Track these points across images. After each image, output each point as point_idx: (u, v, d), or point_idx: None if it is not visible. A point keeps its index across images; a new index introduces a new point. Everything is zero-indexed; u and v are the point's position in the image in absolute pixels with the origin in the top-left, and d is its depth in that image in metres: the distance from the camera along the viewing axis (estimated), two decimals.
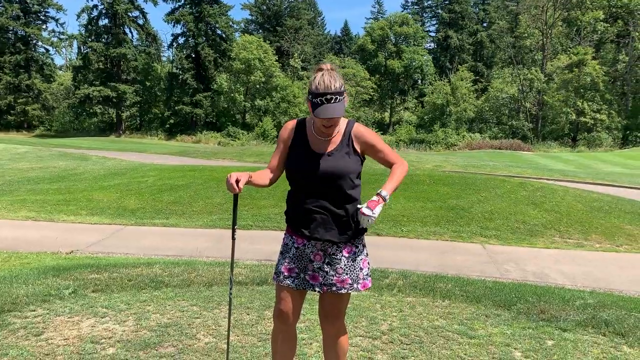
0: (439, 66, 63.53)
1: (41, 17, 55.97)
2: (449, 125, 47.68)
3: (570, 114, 44.16)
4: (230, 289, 2.79)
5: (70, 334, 3.84)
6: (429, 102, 50.88)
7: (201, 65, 53.22)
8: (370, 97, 57.09)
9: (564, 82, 44.97)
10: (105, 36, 53.14)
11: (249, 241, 8.51)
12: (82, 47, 54.29)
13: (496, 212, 10.42)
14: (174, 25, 54.17)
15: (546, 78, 47.22)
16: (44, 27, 55.92)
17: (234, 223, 2.70)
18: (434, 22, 71.45)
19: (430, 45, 68.18)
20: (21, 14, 52.97)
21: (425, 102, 53.47)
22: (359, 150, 2.66)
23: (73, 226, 9.57)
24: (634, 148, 38.34)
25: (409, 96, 62.81)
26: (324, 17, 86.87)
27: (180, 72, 54.47)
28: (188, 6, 53.64)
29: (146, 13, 55.88)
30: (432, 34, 69.92)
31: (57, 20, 57.37)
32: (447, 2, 66.13)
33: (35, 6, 54.15)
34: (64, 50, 67.63)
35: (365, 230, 2.70)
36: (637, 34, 46.21)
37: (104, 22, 53.23)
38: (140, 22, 55.14)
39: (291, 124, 2.76)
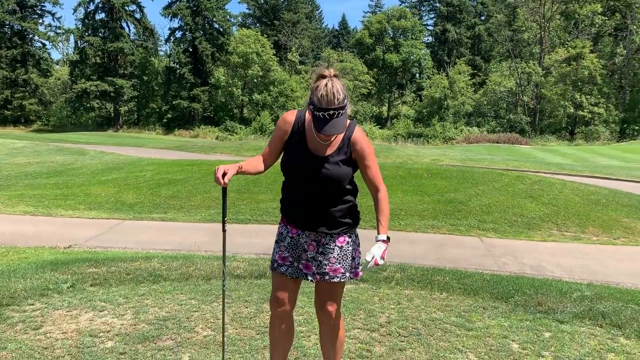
0: (437, 60, 63.46)
1: (37, 11, 55.70)
2: (446, 119, 47.66)
3: (568, 107, 44.18)
4: (224, 281, 2.81)
5: (69, 328, 3.85)
6: (427, 96, 50.84)
7: (198, 59, 53.03)
8: (368, 91, 56.96)
9: (562, 75, 44.97)
10: (102, 30, 52.85)
11: (247, 235, 8.52)
12: (78, 42, 53.98)
13: (494, 205, 10.44)
14: (171, 19, 54.01)
15: (544, 71, 47.19)
16: (40, 21, 55.66)
17: (224, 215, 2.71)
18: (432, 16, 71.39)
19: (428, 39, 68.13)
20: (17, 8, 52.69)
21: (423, 96, 53.44)
22: (353, 157, 2.65)
23: (71, 221, 9.57)
24: (631, 141, 38.41)
25: (406, 90, 62.71)
26: (321, 11, 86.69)
27: (178, 66, 54.28)
28: (185, 0, 53.40)
29: (143, 7, 55.45)
30: (430, 28, 69.87)
31: (53, 15, 56.98)
32: None
33: (31, 0, 53.85)
34: (60, 44, 67.52)
35: (357, 222, 2.78)
36: (634, 27, 46.20)
37: (100, 16, 52.96)
38: (137, 16, 54.86)
39: (291, 117, 2.72)
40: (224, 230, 2.73)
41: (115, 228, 9.05)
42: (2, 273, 5.26)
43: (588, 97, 44.01)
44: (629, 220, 9.84)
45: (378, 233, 2.66)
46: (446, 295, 4.91)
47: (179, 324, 3.96)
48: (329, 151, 2.63)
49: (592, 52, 45.33)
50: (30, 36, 54.85)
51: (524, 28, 50.76)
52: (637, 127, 43.37)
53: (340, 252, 2.72)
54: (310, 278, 2.72)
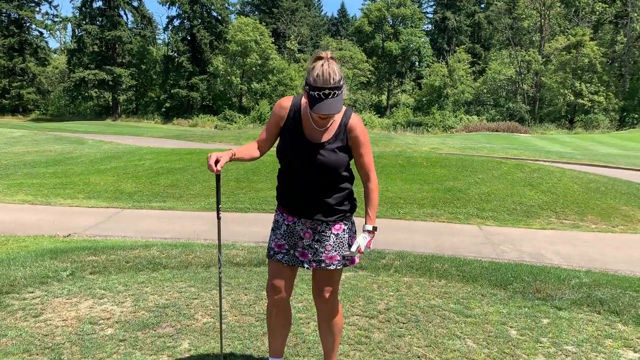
0: (437, 48, 63.14)
1: None
2: (446, 107, 47.53)
3: (568, 95, 44.07)
4: (220, 267, 2.82)
5: (69, 315, 3.86)
6: (427, 84, 50.64)
7: (197, 47, 52.76)
8: (367, 79, 56.75)
9: (562, 63, 44.81)
10: (100, 19, 52.53)
11: (246, 224, 8.52)
12: (76, 30, 53.71)
13: (493, 193, 10.44)
14: (169, 8, 53.66)
15: (544, 59, 47.02)
16: (37, 9, 55.27)
17: (218, 203, 2.72)
18: (432, 3, 70.77)
19: (427, 27, 67.79)
20: None
21: (423, 85, 53.24)
22: (349, 144, 2.65)
23: (70, 210, 9.56)
24: (630, 129, 38.34)
25: (406, 79, 62.43)
26: None
27: (176, 55, 54.02)
28: None
29: None
30: (430, 16, 69.40)
31: (50, 3, 56.88)
32: None
33: None
34: (58, 33, 67.02)
35: (353, 210, 2.80)
36: (635, 14, 45.92)
37: (98, 4, 52.60)
38: (135, 4, 54.54)
39: (287, 103, 2.71)
40: (218, 218, 2.74)
41: (114, 217, 9.06)
42: (2, 261, 5.27)
43: (588, 85, 43.88)
44: (627, 208, 9.86)
45: (365, 223, 2.69)
46: (445, 283, 4.93)
47: (179, 311, 3.98)
48: (325, 138, 2.62)
49: (592, 39, 45.12)
50: (28, 24, 54.54)
51: (524, 16, 50.48)
52: (636, 116, 43.23)
53: (337, 239, 2.72)
54: (306, 266, 2.73)
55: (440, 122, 44.85)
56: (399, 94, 61.90)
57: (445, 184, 11.05)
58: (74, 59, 52.22)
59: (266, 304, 2.89)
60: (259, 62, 50.03)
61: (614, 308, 4.25)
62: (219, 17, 54.55)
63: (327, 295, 2.79)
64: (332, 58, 2.48)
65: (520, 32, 52.74)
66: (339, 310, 2.89)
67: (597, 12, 48.72)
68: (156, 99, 55.05)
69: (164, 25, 58.57)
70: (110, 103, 54.34)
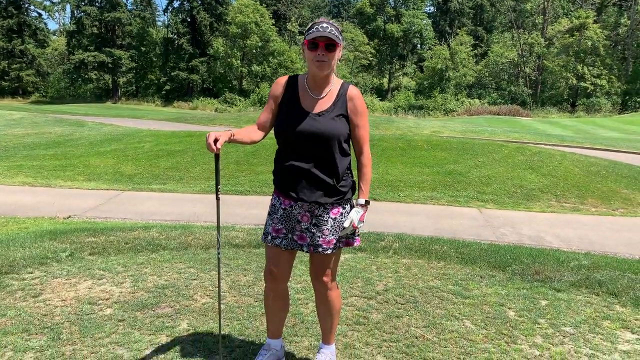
0: (439, 30, 62.53)
1: None
2: (447, 90, 47.25)
3: (570, 79, 43.78)
4: (218, 248, 2.80)
5: (68, 296, 3.87)
6: (428, 67, 50.25)
7: (197, 29, 52.35)
8: (368, 62, 56.35)
9: (565, 46, 44.45)
10: (99, 0, 52.08)
11: (245, 206, 8.53)
12: (75, 11, 53.33)
13: (493, 176, 10.42)
14: None
15: (546, 42, 46.66)
16: None
17: (217, 183, 2.67)
18: None
19: (429, 9, 67.06)
20: None
21: (424, 68, 52.84)
22: (348, 113, 2.62)
23: (70, 192, 9.56)
24: (633, 113, 38.15)
25: (407, 61, 62.00)
26: None
27: (176, 37, 53.62)
28: None
29: None
30: None
31: None
32: None
33: None
34: (57, 14, 66.47)
35: (352, 193, 2.76)
36: None
37: None
38: None
39: (283, 80, 2.71)
40: (217, 199, 2.71)
41: (114, 199, 9.06)
42: (1, 242, 5.27)
43: (590, 68, 43.59)
44: (628, 191, 9.84)
45: (357, 197, 2.68)
46: (444, 264, 4.93)
47: (178, 292, 3.99)
48: (323, 107, 2.60)
49: (595, 22, 44.70)
50: (26, 5, 54.07)
51: None
52: (639, 99, 43.01)
53: (334, 223, 2.68)
54: (305, 249, 2.70)
55: (441, 105, 44.59)
56: (401, 77, 61.52)
57: (445, 167, 11.03)
58: (73, 40, 51.89)
59: (264, 286, 2.87)
60: (260, 44, 49.62)
61: (613, 290, 4.26)
62: None
63: (325, 278, 2.78)
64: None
65: (523, 14, 52.25)
66: (337, 291, 2.89)
67: None
68: (156, 81, 54.77)
69: (164, 7, 58.14)
70: (110, 85, 54.10)
